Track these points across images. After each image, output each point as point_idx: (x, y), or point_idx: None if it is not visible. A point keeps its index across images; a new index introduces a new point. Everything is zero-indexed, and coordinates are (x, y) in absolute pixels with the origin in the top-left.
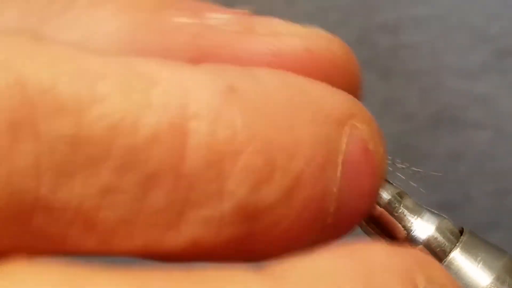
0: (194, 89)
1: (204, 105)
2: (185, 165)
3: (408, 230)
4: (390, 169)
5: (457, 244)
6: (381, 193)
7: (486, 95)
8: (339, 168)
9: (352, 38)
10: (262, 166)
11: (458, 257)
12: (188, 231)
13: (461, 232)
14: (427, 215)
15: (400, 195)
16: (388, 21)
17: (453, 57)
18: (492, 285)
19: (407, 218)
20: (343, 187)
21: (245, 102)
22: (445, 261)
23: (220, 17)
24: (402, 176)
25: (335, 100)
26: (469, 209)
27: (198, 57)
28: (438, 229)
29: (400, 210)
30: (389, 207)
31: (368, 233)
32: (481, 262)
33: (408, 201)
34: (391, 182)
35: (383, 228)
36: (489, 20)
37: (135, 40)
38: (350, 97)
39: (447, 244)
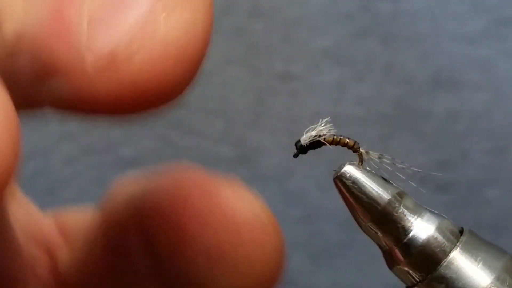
0: None
1: None
2: None
3: (408, 230)
4: (390, 169)
5: (457, 244)
6: (381, 193)
7: (484, 59)
8: None
9: (355, 6)
10: None
11: (458, 257)
12: None
13: (461, 232)
14: (427, 215)
15: (400, 195)
16: None
17: (452, 23)
18: (492, 285)
19: (407, 218)
20: None
21: None
22: (445, 261)
23: None
24: (402, 176)
25: None
26: (466, 166)
27: None
28: (438, 229)
29: (400, 210)
30: (389, 207)
31: (368, 233)
32: (481, 262)
33: (408, 201)
34: (391, 182)
35: (384, 228)
36: None
37: None
38: None
39: (447, 244)
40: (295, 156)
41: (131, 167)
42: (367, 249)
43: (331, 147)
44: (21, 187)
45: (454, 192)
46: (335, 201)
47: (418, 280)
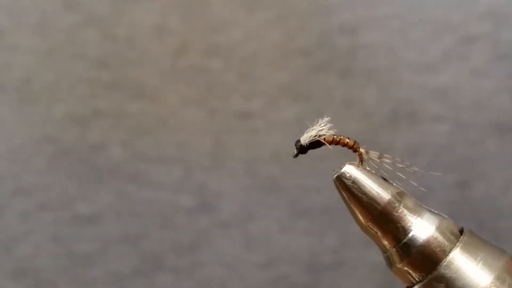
0: None
1: None
2: None
3: (408, 229)
4: (390, 168)
5: (457, 244)
6: (381, 192)
7: (444, 87)
8: None
9: (312, 42)
10: None
11: (458, 257)
12: None
13: (461, 232)
14: (427, 215)
15: (400, 195)
16: (346, 23)
17: (410, 53)
18: (492, 284)
19: (407, 218)
20: None
21: None
22: (445, 261)
23: None
24: (402, 176)
25: None
26: (431, 201)
27: None
28: (438, 229)
29: (400, 210)
30: (389, 207)
31: (368, 233)
32: (481, 262)
33: (408, 201)
34: (391, 182)
35: (383, 227)
36: (451, 10)
37: None
38: None
39: (447, 243)
40: (295, 156)
41: (88, 223)
42: None
43: (330, 147)
44: None
45: None
46: (299, 243)
47: (418, 280)
